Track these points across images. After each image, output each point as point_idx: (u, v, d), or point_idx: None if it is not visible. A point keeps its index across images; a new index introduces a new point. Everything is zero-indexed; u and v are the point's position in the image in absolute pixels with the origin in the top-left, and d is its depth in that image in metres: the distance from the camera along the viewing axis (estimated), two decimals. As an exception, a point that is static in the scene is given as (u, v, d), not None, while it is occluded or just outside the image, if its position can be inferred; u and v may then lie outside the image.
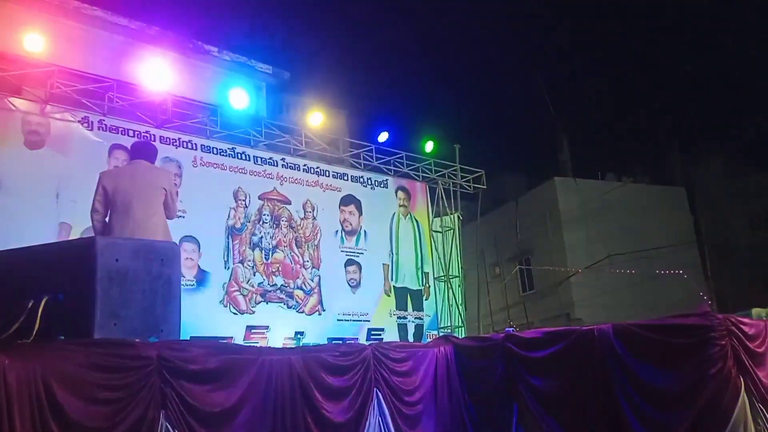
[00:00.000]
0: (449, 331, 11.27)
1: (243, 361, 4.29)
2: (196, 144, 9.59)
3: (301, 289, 10.14)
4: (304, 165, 10.79)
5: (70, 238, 7.61)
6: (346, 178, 11.31)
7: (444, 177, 12.40)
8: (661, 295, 18.46)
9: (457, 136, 13.16)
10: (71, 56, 9.26)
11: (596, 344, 5.20)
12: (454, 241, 12.32)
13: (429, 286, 11.96)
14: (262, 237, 9.90)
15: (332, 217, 10.90)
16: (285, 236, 10.17)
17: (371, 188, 11.62)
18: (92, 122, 8.72)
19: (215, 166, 9.70)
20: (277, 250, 10.03)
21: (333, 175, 11.13)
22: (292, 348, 7.53)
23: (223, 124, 9.98)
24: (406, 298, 11.51)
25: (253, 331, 9.20)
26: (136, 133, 9.00)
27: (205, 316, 8.62)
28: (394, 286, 11.39)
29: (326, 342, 9.06)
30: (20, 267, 3.90)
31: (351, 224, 11.12)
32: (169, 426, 3.68)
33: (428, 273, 12.02)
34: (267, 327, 9.38)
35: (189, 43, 12.02)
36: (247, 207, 9.84)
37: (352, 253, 10.98)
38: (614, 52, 36.87)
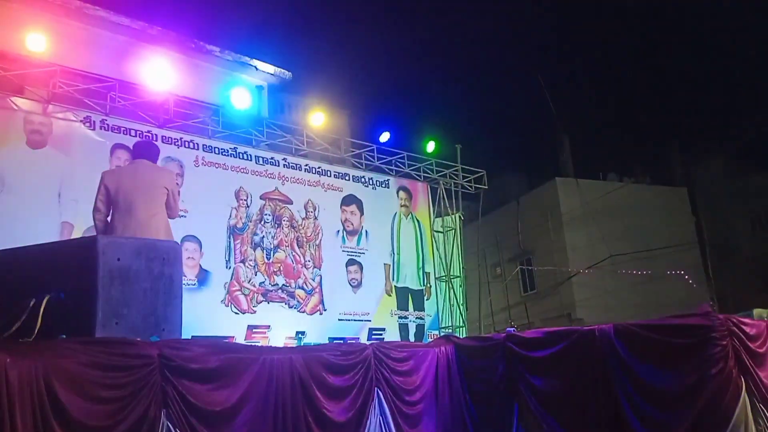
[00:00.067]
0: (450, 330, 11.28)
1: (244, 361, 4.30)
2: (197, 144, 9.60)
3: (303, 288, 10.15)
4: (306, 165, 10.81)
5: (72, 237, 7.63)
6: (347, 178, 11.32)
7: (445, 177, 12.41)
8: (662, 295, 18.45)
9: (459, 137, 13.15)
10: (73, 56, 9.28)
11: (597, 344, 5.20)
12: (455, 241, 12.32)
13: (430, 286, 11.96)
14: (263, 237, 9.91)
15: (334, 216, 10.91)
16: (286, 236, 10.19)
17: (373, 188, 11.63)
18: (94, 122, 8.74)
19: (217, 165, 9.72)
20: (279, 249, 10.05)
21: (334, 175, 11.14)
22: (293, 347, 7.53)
23: (225, 123, 10.00)
24: (407, 297, 11.52)
25: (254, 330, 9.22)
26: (138, 132, 9.02)
27: (206, 315, 8.63)
28: (395, 286, 11.40)
29: (327, 342, 9.08)
30: (22, 266, 3.91)
31: (352, 224, 11.13)
32: (170, 425, 3.69)
33: (429, 273, 12.03)
34: (268, 326, 9.39)
35: (191, 42, 12.03)
36: (248, 207, 9.85)
37: (353, 253, 10.99)
38: (615, 52, 36.87)
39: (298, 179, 10.61)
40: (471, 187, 12.73)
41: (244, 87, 10.20)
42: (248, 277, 9.56)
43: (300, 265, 10.25)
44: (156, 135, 9.12)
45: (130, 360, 3.63)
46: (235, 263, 9.49)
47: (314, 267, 10.41)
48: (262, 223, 9.95)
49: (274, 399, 4.37)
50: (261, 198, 10.04)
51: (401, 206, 11.98)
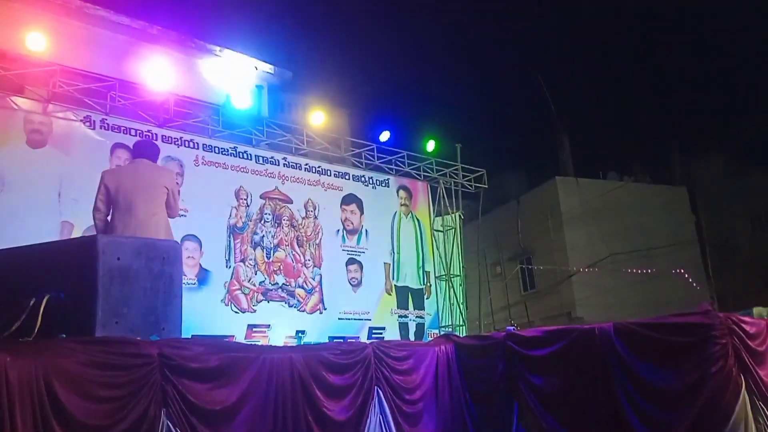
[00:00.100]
0: (450, 329, 11.27)
1: (244, 360, 4.30)
2: (197, 143, 9.60)
3: (303, 287, 10.16)
4: (306, 164, 10.81)
5: (72, 236, 7.63)
6: (347, 177, 11.32)
7: (445, 176, 12.41)
8: (662, 294, 18.46)
9: (459, 136, 13.13)
10: (73, 55, 9.29)
11: (597, 343, 5.21)
12: (455, 240, 12.33)
13: (430, 285, 11.97)
14: (263, 236, 9.91)
15: (334, 216, 10.91)
16: (286, 235, 10.19)
17: (373, 187, 11.63)
18: (94, 121, 8.74)
19: (217, 165, 9.72)
20: (279, 249, 10.05)
21: (334, 174, 11.14)
22: (293, 346, 7.53)
23: (225, 123, 10.00)
24: (407, 296, 11.52)
25: (254, 329, 9.22)
26: (138, 132, 9.02)
27: (206, 314, 8.63)
28: (395, 285, 11.40)
29: (327, 341, 9.08)
30: (22, 265, 3.91)
31: (352, 223, 11.13)
32: (170, 424, 3.69)
33: (429, 272, 12.03)
34: (268, 326, 9.40)
35: (191, 42, 12.04)
36: (248, 206, 9.85)
37: (353, 252, 10.99)
38: (615, 52, 36.86)
39: (298, 178, 10.61)
40: (471, 186, 12.73)
41: (244, 86, 10.19)
42: (248, 277, 9.56)
43: (300, 265, 10.25)
44: (156, 134, 9.12)
45: (130, 359, 3.64)
46: (235, 262, 9.49)
47: (314, 266, 10.41)
48: (262, 222, 9.95)
49: (274, 398, 4.37)
50: (261, 197, 10.04)
51: (401, 205, 11.98)
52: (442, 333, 10.59)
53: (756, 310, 6.56)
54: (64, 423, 3.26)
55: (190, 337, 5.69)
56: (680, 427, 4.69)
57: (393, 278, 11.40)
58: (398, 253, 11.60)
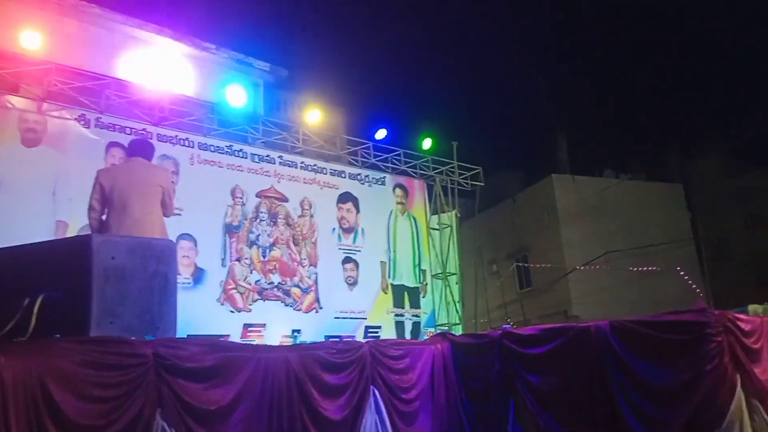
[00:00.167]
0: (446, 328, 11.27)
1: (239, 359, 4.28)
2: (193, 141, 9.58)
3: (299, 286, 10.15)
4: (302, 162, 10.79)
5: (67, 235, 7.60)
6: (343, 175, 11.31)
7: (441, 174, 12.40)
8: (657, 291, 18.50)
9: (455, 134, 13.17)
10: (68, 54, 9.26)
11: (593, 341, 5.20)
12: (451, 238, 12.32)
13: (426, 284, 11.96)
14: (259, 235, 9.90)
15: (330, 214, 10.90)
16: (282, 234, 10.17)
17: (369, 186, 11.62)
18: (89, 120, 8.71)
19: (212, 163, 9.70)
20: (275, 247, 10.03)
21: (330, 173, 11.13)
22: (288, 345, 7.52)
23: (221, 121, 9.98)
24: (403, 295, 11.52)
25: (250, 328, 9.21)
26: (133, 130, 8.99)
27: (202, 313, 8.62)
28: (391, 284, 11.40)
29: (323, 339, 9.07)
30: (16, 265, 3.89)
31: (348, 222, 11.12)
32: (165, 424, 3.68)
33: (425, 270, 12.03)
34: (264, 325, 9.38)
35: (186, 40, 12.01)
36: (244, 204, 9.84)
37: (349, 251, 10.98)
38: (611, 50, 36.89)
39: (293, 177, 10.59)
40: (467, 184, 12.73)
41: (239, 84, 10.17)
42: (244, 276, 9.55)
43: (296, 263, 10.24)
44: (151, 133, 9.09)
45: (125, 359, 3.62)
46: (230, 261, 9.48)
47: (310, 265, 10.40)
48: (258, 221, 9.94)
49: (270, 397, 4.36)
50: (257, 196, 10.02)
51: (397, 203, 11.97)
52: (438, 332, 10.58)
53: (751, 307, 6.56)
54: (58, 423, 3.24)
55: (185, 336, 5.68)
56: (676, 425, 4.70)
57: (389, 277, 11.39)
58: (394, 251, 11.59)
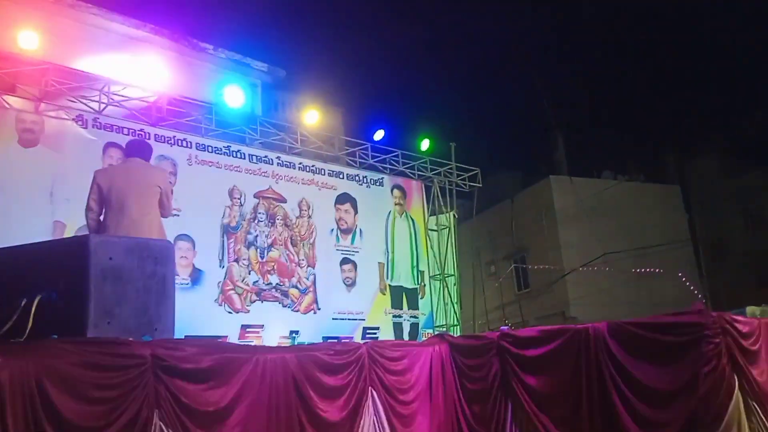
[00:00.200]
0: (444, 329, 11.27)
1: (237, 360, 4.28)
2: (190, 142, 9.56)
3: (297, 287, 10.13)
4: (300, 163, 10.78)
5: (65, 236, 7.59)
6: (341, 176, 11.30)
7: (439, 175, 12.40)
8: (655, 293, 18.53)
9: (453, 135, 13.12)
10: (66, 54, 9.23)
11: (591, 342, 5.22)
12: (449, 239, 12.32)
13: (424, 285, 11.96)
14: (257, 235, 9.89)
15: (328, 215, 10.89)
16: (280, 235, 10.16)
17: (367, 186, 11.61)
18: (86, 120, 8.69)
19: (210, 164, 9.68)
20: (273, 248, 10.02)
21: (328, 174, 11.12)
22: (286, 347, 7.51)
23: (218, 122, 9.96)
24: (401, 296, 11.51)
25: (248, 329, 9.19)
26: (131, 131, 8.97)
27: (200, 314, 8.59)
28: (389, 285, 11.39)
29: (321, 341, 9.06)
30: (13, 265, 3.88)
31: (346, 223, 11.11)
32: (162, 425, 3.67)
33: (423, 271, 12.02)
34: (262, 326, 9.37)
35: (184, 40, 11.99)
36: (242, 205, 9.82)
37: (347, 252, 10.97)
38: (610, 51, 36.94)
39: (291, 177, 10.58)
40: (465, 185, 12.73)
41: (237, 85, 10.15)
42: (242, 276, 9.53)
43: (294, 264, 10.22)
44: (149, 133, 9.08)
45: (123, 360, 3.61)
46: (228, 262, 9.46)
47: (308, 266, 10.39)
48: (256, 221, 9.92)
49: (268, 399, 4.35)
50: (255, 196, 10.01)
51: (395, 204, 11.97)
52: (436, 333, 10.59)
53: (749, 309, 6.58)
54: (56, 424, 3.23)
55: (183, 337, 5.67)
56: (674, 426, 4.71)
57: (387, 278, 11.39)
58: (392, 252, 11.58)
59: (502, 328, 7.02)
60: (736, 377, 4.77)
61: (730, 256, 23.38)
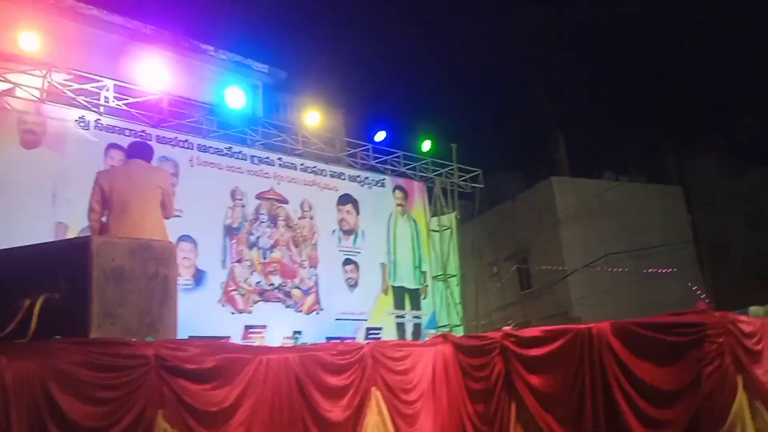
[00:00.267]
0: (447, 329, 11.26)
1: (240, 361, 4.27)
2: (192, 143, 9.57)
3: (299, 288, 10.14)
4: (301, 164, 10.78)
5: (67, 237, 7.59)
6: (343, 177, 11.30)
7: (441, 176, 12.40)
8: (658, 293, 18.47)
9: (454, 136, 13.12)
10: (67, 55, 9.24)
11: (594, 342, 5.21)
12: (451, 240, 12.32)
13: (427, 285, 11.95)
14: (259, 236, 9.89)
15: (330, 216, 10.90)
16: (282, 236, 10.17)
17: (368, 187, 11.61)
18: (88, 121, 8.70)
19: (212, 165, 9.69)
20: (275, 249, 10.02)
21: (330, 175, 11.12)
22: (289, 347, 7.51)
23: (220, 123, 9.98)
24: (403, 297, 11.51)
25: (250, 330, 9.20)
26: (133, 132, 8.98)
27: (202, 315, 8.60)
28: (391, 285, 11.39)
29: (324, 341, 9.05)
30: (16, 266, 3.88)
31: (348, 223, 11.12)
32: (167, 425, 3.67)
33: (426, 272, 12.02)
34: (265, 326, 9.38)
35: (185, 42, 12.00)
36: (244, 206, 9.83)
37: (349, 253, 10.98)
38: (610, 51, 36.92)
39: (293, 179, 10.58)
40: (466, 185, 12.73)
41: (238, 86, 10.16)
42: (244, 277, 9.54)
43: (296, 265, 10.23)
44: (150, 135, 9.09)
45: (126, 360, 3.61)
46: (231, 263, 9.47)
47: (310, 266, 10.39)
48: (258, 222, 9.93)
49: (271, 399, 4.35)
50: (256, 198, 10.01)
51: (397, 205, 11.97)
52: (439, 333, 10.58)
53: (752, 309, 6.58)
54: (60, 424, 3.24)
55: (186, 338, 5.67)
56: (677, 426, 4.69)
57: (390, 278, 11.39)
58: (394, 253, 11.59)
59: (505, 328, 7.01)
60: (739, 377, 4.76)
61: (732, 256, 23.35)
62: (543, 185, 22.14)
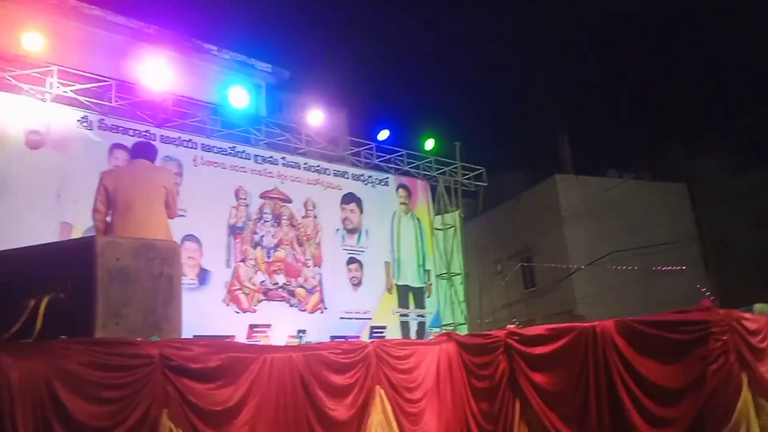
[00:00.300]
0: (452, 328, 11.26)
1: (245, 360, 4.28)
2: (196, 143, 9.59)
3: (303, 287, 10.15)
4: (305, 163, 10.80)
5: (72, 237, 7.61)
6: (346, 176, 11.31)
7: (445, 174, 12.40)
8: (662, 291, 18.43)
9: (458, 134, 13.21)
10: (71, 55, 9.26)
11: (598, 340, 5.20)
12: (455, 238, 12.32)
13: (431, 284, 11.95)
14: (263, 236, 9.91)
15: (333, 215, 10.91)
16: (286, 235, 10.18)
17: (372, 186, 11.62)
18: (92, 122, 8.73)
19: (216, 164, 9.71)
20: (279, 248, 10.04)
21: (334, 174, 11.13)
22: (293, 346, 7.51)
23: (224, 122, 10.00)
24: (407, 295, 11.51)
25: (255, 329, 9.22)
26: (137, 132, 9.01)
27: (207, 314, 8.63)
28: (395, 284, 11.40)
29: (329, 340, 9.06)
30: (21, 267, 3.89)
31: (352, 222, 11.12)
32: (171, 425, 3.68)
33: (430, 270, 12.02)
34: (269, 325, 9.40)
35: (188, 41, 12.02)
36: (248, 206, 9.85)
37: (353, 251, 10.99)
38: (614, 48, 36.86)
39: (297, 178, 10.60)
40: (470, 184, 12.72)
41: (242, 86, 10.18)
42: (249, 276, 9.55)
43: (300, 264, 10.24)
44: (154, 134, 9.11)
45: (131, 360, 3.62)
46: (235, 262, 9.49)
47: (314, 265, 10.41)
48: (262, 222, 9.94)
49: (276, 398, 4.36)
50: (260, 197, 10.03)
51: (401, 204, 11.97)
52: (443, 331, 10.58)
53: (757, 306, 6.54)
54: (65, 424, 3.24)
55: (190, 337, 5.68)
56: (682, 424, 4.69)
57: (393, 277, 11.39)
58: (398, 251, 11.59)
59: (509, 326, 7.01)
60: (744, 375, 4.75)
61: (737, 253, 23.24)
62: (547, 183, 22.11)
